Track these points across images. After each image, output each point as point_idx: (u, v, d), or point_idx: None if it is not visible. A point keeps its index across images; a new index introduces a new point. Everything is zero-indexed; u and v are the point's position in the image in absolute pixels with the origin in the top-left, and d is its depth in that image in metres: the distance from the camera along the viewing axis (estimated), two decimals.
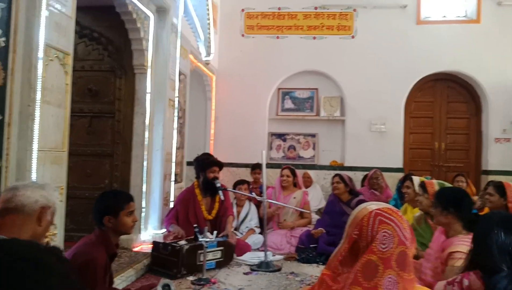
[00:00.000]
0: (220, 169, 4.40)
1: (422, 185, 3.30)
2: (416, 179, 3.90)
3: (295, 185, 5.05)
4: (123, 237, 2.59)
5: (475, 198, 4.92)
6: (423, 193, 3.27)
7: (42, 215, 1.62)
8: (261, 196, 4.45)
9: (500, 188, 3.55)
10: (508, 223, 1.60)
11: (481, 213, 3.42)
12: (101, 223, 2.31)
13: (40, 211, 1.62)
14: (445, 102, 7.10)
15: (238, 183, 5.00)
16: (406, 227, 1.48)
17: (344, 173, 4.89)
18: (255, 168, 5.94)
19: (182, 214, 4.22)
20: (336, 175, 4.75)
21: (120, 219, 2.32)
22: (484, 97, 6.81)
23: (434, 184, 3.22)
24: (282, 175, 4.96)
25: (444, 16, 6.93)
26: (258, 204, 4.95)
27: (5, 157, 2.33)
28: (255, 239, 4.56)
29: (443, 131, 7.07)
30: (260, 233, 4.71)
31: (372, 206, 1.53)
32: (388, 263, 1.41)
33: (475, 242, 1.64)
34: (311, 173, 6.35)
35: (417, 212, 3.70)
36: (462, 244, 2.28)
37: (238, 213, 4.82)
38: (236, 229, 4.71)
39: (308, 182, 6.12)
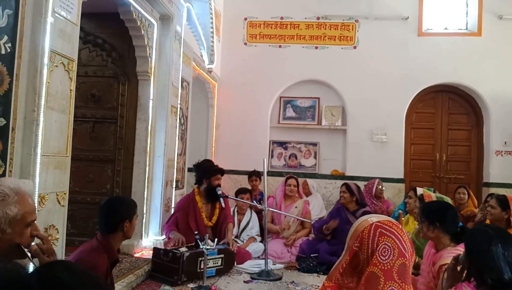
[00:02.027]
0: (222, 175, 4.44)
1: (420, 198, 3.26)
2: (420, 191, 3.88)
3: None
4: (124, 242, 2.58)
5: (476, 210, 4.91)
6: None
7: None
8: (259, 203, 4.47)
9: (502, 201, 3.53)
10: (502, 235, 1.67)
11: None
12: (114, 229, 2.32)
13: None
14: (446, 114, 7.12)
15: (240, 192, 5.00)
16: (406, 240, 1.48)
17: (352, 183, 4.85)
18: (252, 175, 5.95)
19: (182, 221, 4.22)
20: (343, 184, 4.74)
21: (133, 223, 2.39)
22: (485, 109, 6.83)
23: (432, 197, 3.19)
24: (289, 185, 4.96)
25: (446, 29, 6.98)
26: (258, 212, 4.96)
27: (8, 162, 2.33)
28: (255, 247, 4.55)
29: (444, 143, 7.08)
30: (261, 241, 4.71)
31: (373, 218, 1.53)
32: (390, 275, 1.41)
33: (476, 256, 1.66)
34: (312, 182, 6.35)
35: None
36: (451, 256, 2.28)
37: (239, 221, 4.81)
38: (237, 237, 4.70)
39: (305, 190, 6.12)
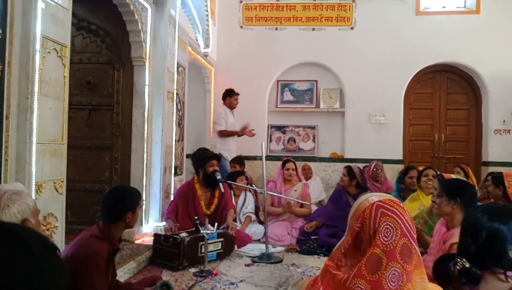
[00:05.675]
0: (218, 161, 4.42)
1: (440, 177, 3.24)
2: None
3: None
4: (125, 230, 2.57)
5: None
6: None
7: (26, 224, 1.60)
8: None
9: (496, 178, 3.56)
10: (495, 211, 1.58)
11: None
12: (117, 219, 2.30)
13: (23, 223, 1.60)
14: (445, 94, 7.09)
15: (235, 175, 4.98)
16: (408, 219, 1.46)
17: (356, 166, 4.84)
18: (232, 161, 5.71)
19: (181, 208, 4.23)
20: (346, 166, 4.77)
21: (136, 214, 2.38)
22: (484, 88, 6.79)
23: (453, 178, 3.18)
24: (287, 169, 4.96)
25: (444, 7, 6.90)
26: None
27: (4, 150, 2.31)
28: (255, 230, 4.57)
29: (442, 123, 7.06)
30: (259, 222, 4.73)
31: (374, 197, 1.51)
32: (392, 256, 1.40)
33: (465, 233, 1.62)
34: (311, 165, 6.35)
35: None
36: None
37: (235, 202, 4.82)
38: (235, 219, 4.71)
39: (308, 174, 6.11)
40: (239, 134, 5.80)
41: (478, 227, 1.53)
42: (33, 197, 2.43)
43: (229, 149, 5.80)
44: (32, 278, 0.62)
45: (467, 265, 1.47)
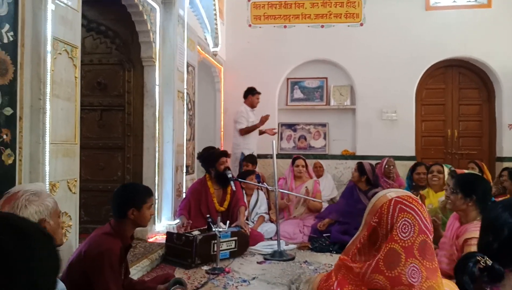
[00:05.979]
0: (227, 157, 4.43)
1: (454, 174, 3.19)
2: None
3: None
4: (137, 228, 2.59)
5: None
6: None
7: (43, 225, 1.60)
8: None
9: None
10: None
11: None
12: (122, 215, 2.32)
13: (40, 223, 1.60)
14: (457, 89, 7.00)
15: (246, 174, 4.97)
16: (426, 216, 1.45)
17: (368, 162, 4.77)
18: (244, 160, 5.70)
19: (194, 206, 4.26)
20: (358, 162, 4.74)
21: (142, 212, 2.36)
22: (496, 82, 6.69)
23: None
24: (297, 166, 4.96)
25: (454, 1, 6.81)
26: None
27: (18, 151, 2.34)
28: (267, 228, 4.57)
29: (455, 118, 6.97)
30: (271, 221, 4.73)
31: (391, 193, 1.50)
32: (411, 252, 1.38)
33: (486, 230, 1.58)
34: (322, 162, 6.32)
35: (441, 195, 3.64)
36: (478, 230, 2.23)
37: (248, 202, 4.82)
38: (247, 218, 4.72)
39: (320, 171, 6.08)
40: (260, 128, 5.76)
41: (500, 224, 1.50)
42: None
43: (250, 149, 5.78)
44: (33, 266, 0.62)
45: (490, 263, 1.44)
